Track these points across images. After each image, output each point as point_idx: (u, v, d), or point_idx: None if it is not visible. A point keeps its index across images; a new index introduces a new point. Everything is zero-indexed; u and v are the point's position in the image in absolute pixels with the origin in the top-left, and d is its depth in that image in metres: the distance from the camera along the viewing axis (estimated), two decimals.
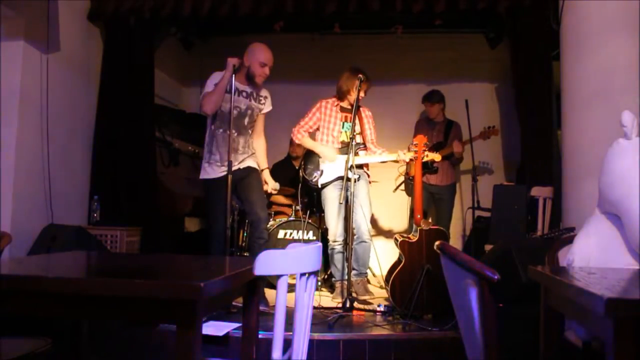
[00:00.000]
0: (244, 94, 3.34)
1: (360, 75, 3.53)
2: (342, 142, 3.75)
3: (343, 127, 3.78)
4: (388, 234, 5.48)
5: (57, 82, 3.76)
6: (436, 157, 3.66)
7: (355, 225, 3.62)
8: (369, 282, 3.88)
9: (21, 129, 3.49)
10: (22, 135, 3.50)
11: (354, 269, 3.66)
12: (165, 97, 5.47)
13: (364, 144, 3.81)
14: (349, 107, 3.77)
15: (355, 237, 3.66)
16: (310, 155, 3.87)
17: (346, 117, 3.79)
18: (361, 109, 3.81)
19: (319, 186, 3.77)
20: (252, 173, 3.41)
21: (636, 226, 1.69)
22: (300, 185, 3.98)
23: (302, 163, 3.95)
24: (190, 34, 5.53)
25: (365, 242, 3.65)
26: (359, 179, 3.57)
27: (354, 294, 3.46)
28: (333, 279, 3.86)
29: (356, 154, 3.61)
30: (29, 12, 3.52)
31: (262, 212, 3.35)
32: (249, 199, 3.36)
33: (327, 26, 5.14)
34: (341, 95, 3.79)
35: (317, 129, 3.84)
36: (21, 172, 3.48)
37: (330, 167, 3.74)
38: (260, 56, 3.25)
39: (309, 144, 3.84)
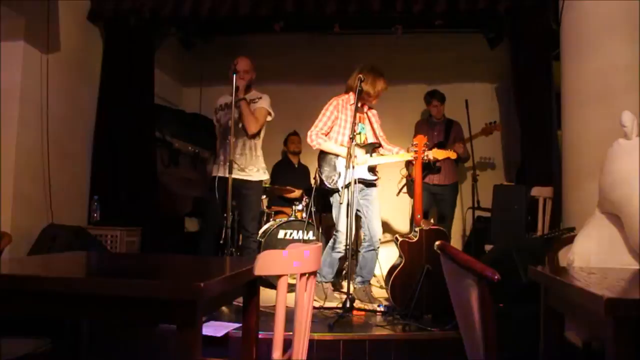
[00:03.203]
0: (237, 104, 3.51)
1: (360, 75, 3.47)
2: (357, 145, 3.47)
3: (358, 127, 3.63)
4: (389, 234, 5.47)
5: (57, 82, 3.76)
6: (438, 154, 3.62)
7: (369, 232, 3.55)
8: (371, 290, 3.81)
9: (21, 129, 3.48)
10: (22, 135, 3.49)
11: (359, 275, 3.62)
12: (165, 97, 5.47)
13: (379, 144, 3.68)
14: (363, 106, 3.69)
15: (366, 243, 3.59)
16: (326, 158, 3.64)
17: (361, 117, 3.64)
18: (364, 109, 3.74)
19: (338, 189, 3.54)
20: (254, 187, 3.67)
21: (636, 226, 1.69)
22: (314, 188, 3.74)
23: (318, 166, 3.71)
24: (190, 34, 5.51)
25: (375, 250, 3.56)
26: (376, 181, 3.54)
27: (356, 301, 3.34)
28: (317, 277, 3.76)
29: (375, 152, 3.58)
30: (29, 12, 3.52)
31: (251, 227, 3.70)
32: (242, 214, 3.76)
33: (327, 26, 5.12)
34: (363, 96, 3.55)
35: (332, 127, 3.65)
36: (21, 172, 3.48)
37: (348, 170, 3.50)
38: (232, 68, 3.38)
39: (329, 147, 3.60)
